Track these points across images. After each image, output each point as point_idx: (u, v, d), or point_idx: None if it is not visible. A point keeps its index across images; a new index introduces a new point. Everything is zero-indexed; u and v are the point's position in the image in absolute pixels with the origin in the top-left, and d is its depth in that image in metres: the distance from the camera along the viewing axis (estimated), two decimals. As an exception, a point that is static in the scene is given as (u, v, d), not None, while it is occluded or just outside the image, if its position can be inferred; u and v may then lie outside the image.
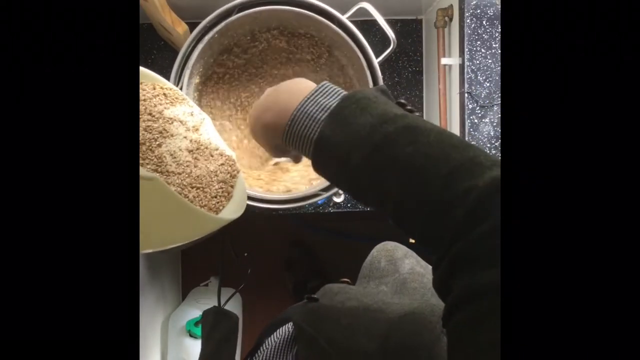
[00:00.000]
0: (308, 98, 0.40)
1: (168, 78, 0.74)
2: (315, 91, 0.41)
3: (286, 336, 0.57)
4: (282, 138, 0.42)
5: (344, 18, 0.74)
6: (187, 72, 0.74)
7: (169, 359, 1.14)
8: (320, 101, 0.40)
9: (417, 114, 0.39)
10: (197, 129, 0.62)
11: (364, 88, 0.41)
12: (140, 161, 0.52)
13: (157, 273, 1.15)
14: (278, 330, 0.59)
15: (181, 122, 0.61)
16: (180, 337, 1.13)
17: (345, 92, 0.41)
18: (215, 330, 0.63)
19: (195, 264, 1.39)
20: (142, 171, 0.41)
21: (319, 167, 0.41)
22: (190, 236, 0.52)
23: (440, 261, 0.32)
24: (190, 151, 0.58)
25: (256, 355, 0.56)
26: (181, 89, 0.74)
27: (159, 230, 0.48)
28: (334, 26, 0.74)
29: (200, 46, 0.73)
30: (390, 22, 0.75)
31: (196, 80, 0.78)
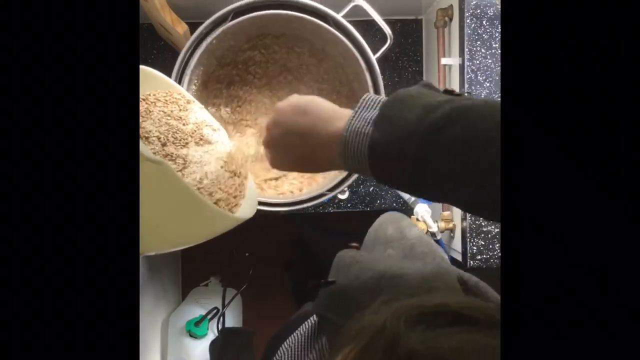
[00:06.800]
0: (353, 116, 0.40)
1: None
2: (358, 107, 0.41)
3: (308, 331, 0.56)
4: (341, 162, 0.42)
5: (338, 17, 0.73)
6: (185, 79, 0.74)
7: (169, 359, 1.14)
8: (365, 115, 0.40)
9: (467, 96, 0.39)
10: (215, 130, 0.62)
11: (406, 88, 0.40)
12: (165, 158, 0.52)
13: (157, 273, 1.15)
14: (300, 328, 0.59)
15: (204, 125, 0.62)
16: (180, 337, 1.13)
17: (385, 99, 0.41)
18: (224, 352, 0.62)
19: (195, 264, 1.39)
20: (150, 153, 0.39)
21: (379, 175, 0.40)
22: (205, 235, 0.50)
23: None
24: (206, 152, 0.58)
25: (276, 358, 0.56)
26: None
27: (171, 226, 0.46)
28: (329, 27, 0.73)
29: (198, 52, 0.73)
30: (390, 22, 0.75)
31: (195, 85, 0.78)
